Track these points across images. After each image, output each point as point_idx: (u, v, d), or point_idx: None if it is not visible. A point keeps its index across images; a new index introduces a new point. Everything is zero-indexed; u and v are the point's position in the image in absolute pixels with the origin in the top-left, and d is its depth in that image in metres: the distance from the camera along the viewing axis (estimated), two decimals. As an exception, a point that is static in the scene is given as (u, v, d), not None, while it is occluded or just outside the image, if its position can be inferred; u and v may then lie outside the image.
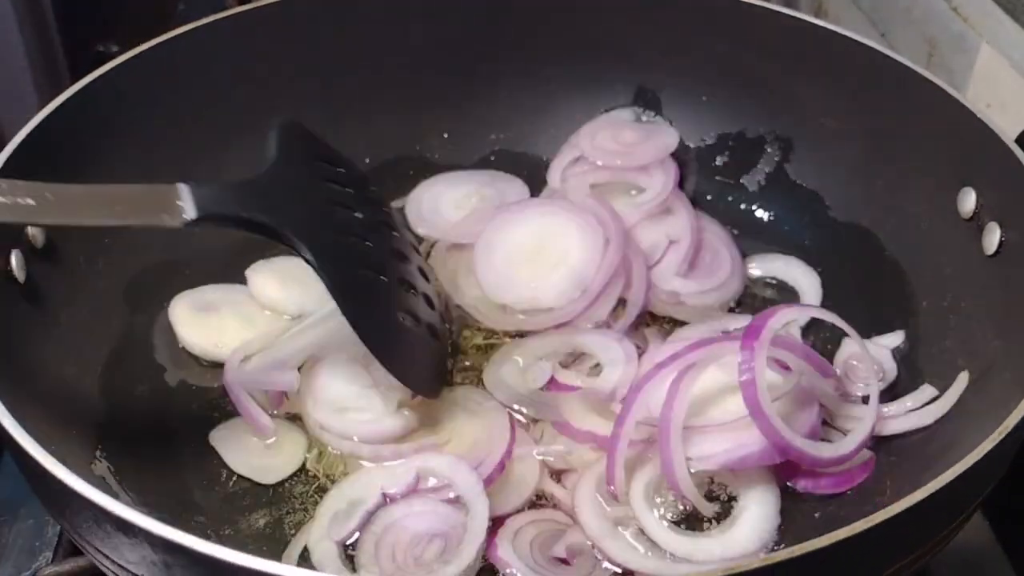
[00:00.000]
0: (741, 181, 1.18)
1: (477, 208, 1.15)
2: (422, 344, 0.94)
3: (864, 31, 1.32)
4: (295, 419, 0.97)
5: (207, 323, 1.03)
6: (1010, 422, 0.71)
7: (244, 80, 1.12)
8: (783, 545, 0.85)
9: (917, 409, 0.91)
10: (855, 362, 0.97)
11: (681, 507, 0.88)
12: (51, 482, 0.68)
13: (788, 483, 0.89)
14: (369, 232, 0.96)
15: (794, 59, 1.11)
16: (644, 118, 1.20)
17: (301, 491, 0.91)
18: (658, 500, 0.88)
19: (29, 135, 0.92)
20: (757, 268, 1.12)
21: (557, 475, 0.91)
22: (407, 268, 0.99)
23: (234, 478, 0.92)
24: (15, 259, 0.87)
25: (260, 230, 0.86)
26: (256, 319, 1.04)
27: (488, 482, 0.87)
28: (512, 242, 1.08)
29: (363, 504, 0.87)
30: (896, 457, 0.89)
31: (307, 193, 0.94)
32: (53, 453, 0.69)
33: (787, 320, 0.89)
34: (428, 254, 1.12)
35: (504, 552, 0.84)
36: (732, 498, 0.89)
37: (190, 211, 0.81)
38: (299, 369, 0.98)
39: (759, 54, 1.13)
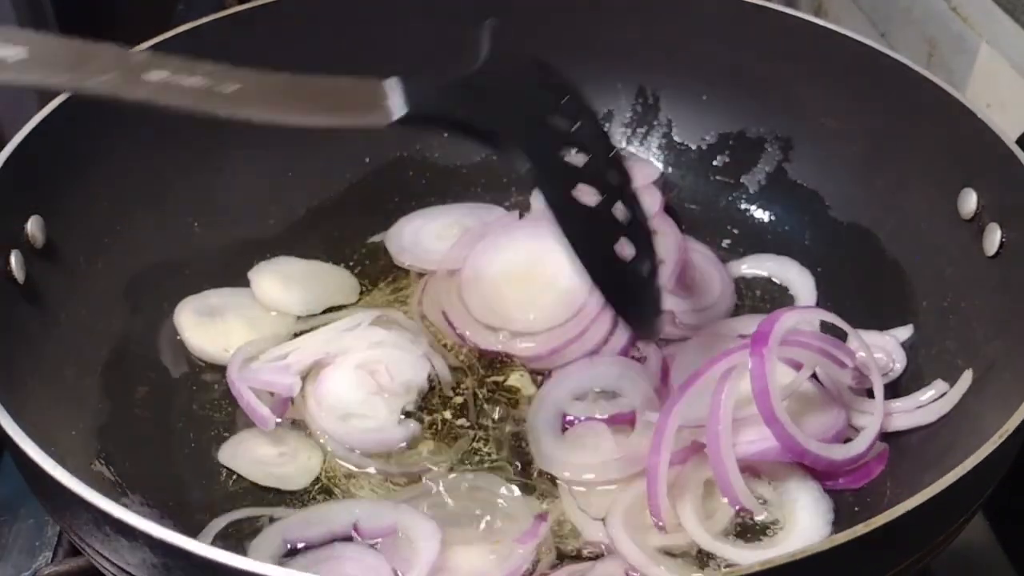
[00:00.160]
0: (741, 181, 1.18)
1: (467, 232, 1.13)
2: (639, 279, 0.84)
3: (864, 31, 1.32)
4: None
5: (213, 328, 1.03)
6: (1011, 424, 0.71)
7: (244, 80, 1.11)
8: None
9: (922, 406, 0.91)
10: (857, 362, 0.97)
11: (738, 519, 0.87)
12: (51, 484, 0.68)
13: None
14: (588, 145, 0.85)
15: (794, 59, 1.11)
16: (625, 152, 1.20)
17: (302, 492, 0.91)
18: (708, 521, 0.86)
19: (29, 135, 0.92)
20: (751, 268, 1.12)
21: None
22: (626, 190, 0.88)
23: (234, 478, 0.92)
24: (15, 259, 0.87)
25: (474, 134, 0.81)
26: (261, 321, 1.04)
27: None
28: (501, 266, 1.07)
29: (329, 525, 0.85)
30: (896, 458, 0.89)
31: (524, 97, 0.86)
32: (52, 454, 0.69)
33: (792, 324, 0.89)
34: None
35: None
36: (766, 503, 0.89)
37: (398, 107, 0.77)
38: (305, 375, 0.97)
39: (759, 54, 1.13)
